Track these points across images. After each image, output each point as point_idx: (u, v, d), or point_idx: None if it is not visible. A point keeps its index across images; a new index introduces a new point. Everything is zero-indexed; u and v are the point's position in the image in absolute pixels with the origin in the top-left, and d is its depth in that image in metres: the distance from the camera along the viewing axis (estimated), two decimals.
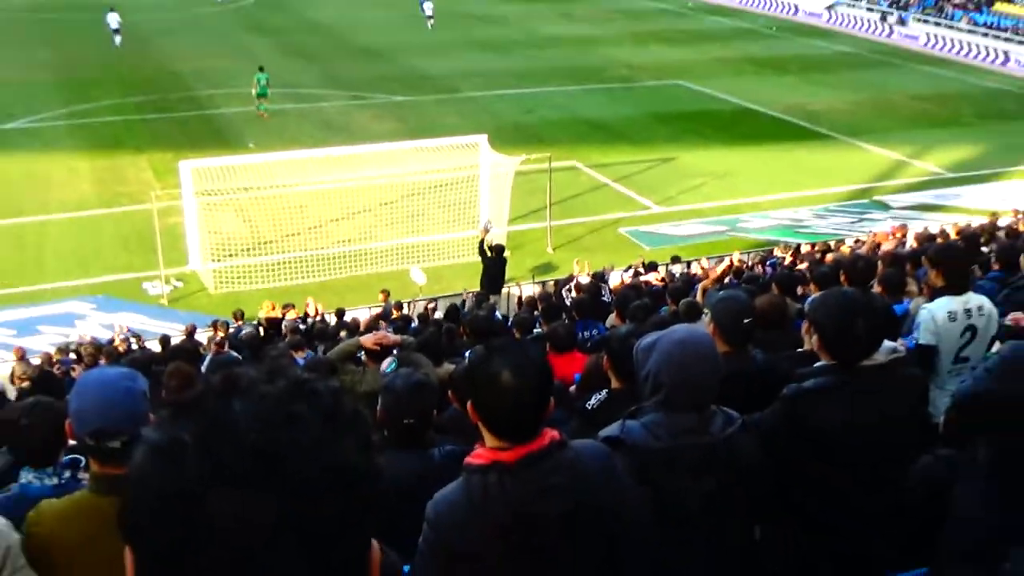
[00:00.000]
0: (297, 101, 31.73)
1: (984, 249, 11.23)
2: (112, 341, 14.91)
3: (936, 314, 5.10)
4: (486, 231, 18.10)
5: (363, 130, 27.88)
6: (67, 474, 3.75)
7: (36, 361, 13.38)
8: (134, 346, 14.30)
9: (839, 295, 3.99)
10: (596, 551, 2.64)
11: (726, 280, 12.80)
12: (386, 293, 16.38)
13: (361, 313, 15.79)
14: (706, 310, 4.82)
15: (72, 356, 13.75)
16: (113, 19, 39.90)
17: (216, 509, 0.99)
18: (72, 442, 3.34)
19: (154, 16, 46.13)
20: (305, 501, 1.02)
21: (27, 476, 3.79)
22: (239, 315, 15.34)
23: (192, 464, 1.02)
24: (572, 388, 6.01)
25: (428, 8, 45.47)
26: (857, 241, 17.88)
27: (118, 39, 39.59)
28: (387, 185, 20.48)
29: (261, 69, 30.13)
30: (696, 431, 3.09)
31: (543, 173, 20.75)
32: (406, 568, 2.82)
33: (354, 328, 13.35)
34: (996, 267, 8.00)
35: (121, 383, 3.11)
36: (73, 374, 11.50)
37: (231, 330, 14.16)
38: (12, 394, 11.58)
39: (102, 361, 12.21)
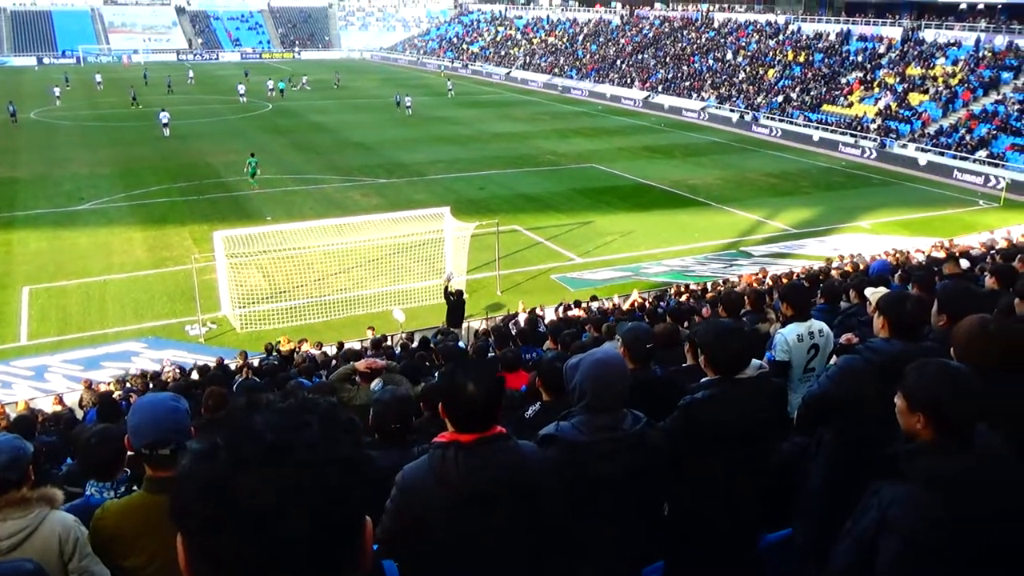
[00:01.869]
0: (304, 184, 31.46)
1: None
2: (160, 372, 14.56)
3: (788, 336, 5.18)
4: (448, 280, 18.10)
5: (355, 205, 27.77)
6: (122, 489, 3.68)
7: (101, 389, 13.02)
8: (178, 375, 13.97)
9: (719, 323, 4.01)
10: (523, 514, 2.68)
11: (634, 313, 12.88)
12: (372, 329, 16.18)
13: (355, 344, 15.61)
14: (618, 336, 4.84)
15: (129, 386, 13.38)
16: (164, 116, 40.74)
17: (240, 492, 1.02)
18: (130, 453, 3.27)
19: (194, 121, 45.87)
20: (309, 483, 1.05)
21: (91, 489, 3.71)
22: (269, 348, 15.10)
23: (221, 460, 1.05)
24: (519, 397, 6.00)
25: (408, 101, 49.51)
26: (727, 281, 18.12)
27: (167, 131, 39.79)
28: (373, 246, 20.43)
29: (252, 155, 30.48)
30: (611, 428, 3.10)
31: (492, 235, 20.78)
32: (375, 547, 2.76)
33: (350, 356, 13.17)
34: (822, 300, 7.44)
35: (168, 403, 3.07)
36: (131, 400, 11.21)
37: (258, 360, 13.88)
38: (79, 415, 11.26)
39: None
